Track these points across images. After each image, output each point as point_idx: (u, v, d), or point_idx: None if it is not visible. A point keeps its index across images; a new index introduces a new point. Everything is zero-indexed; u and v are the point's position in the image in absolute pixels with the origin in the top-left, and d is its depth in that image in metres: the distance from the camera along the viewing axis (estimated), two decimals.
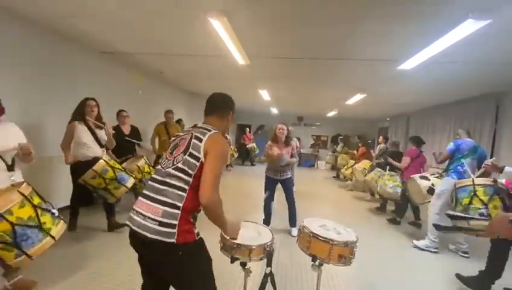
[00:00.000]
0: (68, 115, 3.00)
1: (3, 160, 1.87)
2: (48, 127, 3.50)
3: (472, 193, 2.29)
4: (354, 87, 5.74)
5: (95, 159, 2.88)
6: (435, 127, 7.00)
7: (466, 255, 3.24)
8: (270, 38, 3.32)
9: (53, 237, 1.71)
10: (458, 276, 2.59)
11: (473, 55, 3.24)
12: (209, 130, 1.30)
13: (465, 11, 2.26)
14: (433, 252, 3.29)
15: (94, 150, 3.00)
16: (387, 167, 4.92)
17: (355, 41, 3.18)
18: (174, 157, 1.24)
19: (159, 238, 1.12)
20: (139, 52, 4.21)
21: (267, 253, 1.67)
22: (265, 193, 3.50)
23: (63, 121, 2.99)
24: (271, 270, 1.77)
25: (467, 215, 2.11)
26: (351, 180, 7.15)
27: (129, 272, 2.36)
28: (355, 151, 8.11)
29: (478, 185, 2.29)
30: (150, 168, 3.71)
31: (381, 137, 6.60)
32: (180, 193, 1.18)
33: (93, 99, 3.08)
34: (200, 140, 1.23)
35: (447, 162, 3.48)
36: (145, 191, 1.27)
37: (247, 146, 10.04)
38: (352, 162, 7.40)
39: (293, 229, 3.56)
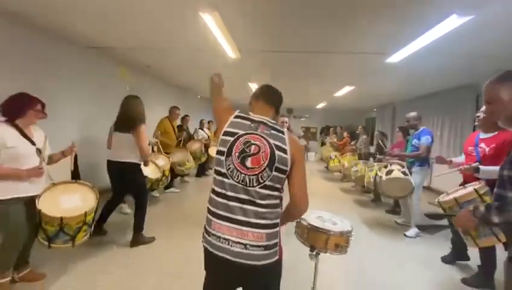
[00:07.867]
0: (51, 111, 2.85)
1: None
2: None
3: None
4: (343, 79, 5.83)
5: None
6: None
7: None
8: (261, 32, 3.31)
9: None
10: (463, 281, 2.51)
11: (455, 48, 3.36)
12: (282, 132, 1.19)
13: (450, 7, 2.34)
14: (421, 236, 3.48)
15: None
16: (372, 159, 4.98)
17: (345, 36, 3.22)
18: (258, 174, 1.09)
19: (267, 262, 1.10)
20: (125, 46, 4.09)
21: None
22: None
23: (47, 118, 2.86)
24: None
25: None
26: (340, 172, 7.22)
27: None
28: (336, 141, 8.18)
29: (483, 194, 2.00)
30: None
31: (360, 127, 6.60)
32: (277, 209, 1.15)
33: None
34: (285, 151, 1.12)
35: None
36: (225, 213, 1.11)
37: None
38: (335, 153, 7.33)
39: None
